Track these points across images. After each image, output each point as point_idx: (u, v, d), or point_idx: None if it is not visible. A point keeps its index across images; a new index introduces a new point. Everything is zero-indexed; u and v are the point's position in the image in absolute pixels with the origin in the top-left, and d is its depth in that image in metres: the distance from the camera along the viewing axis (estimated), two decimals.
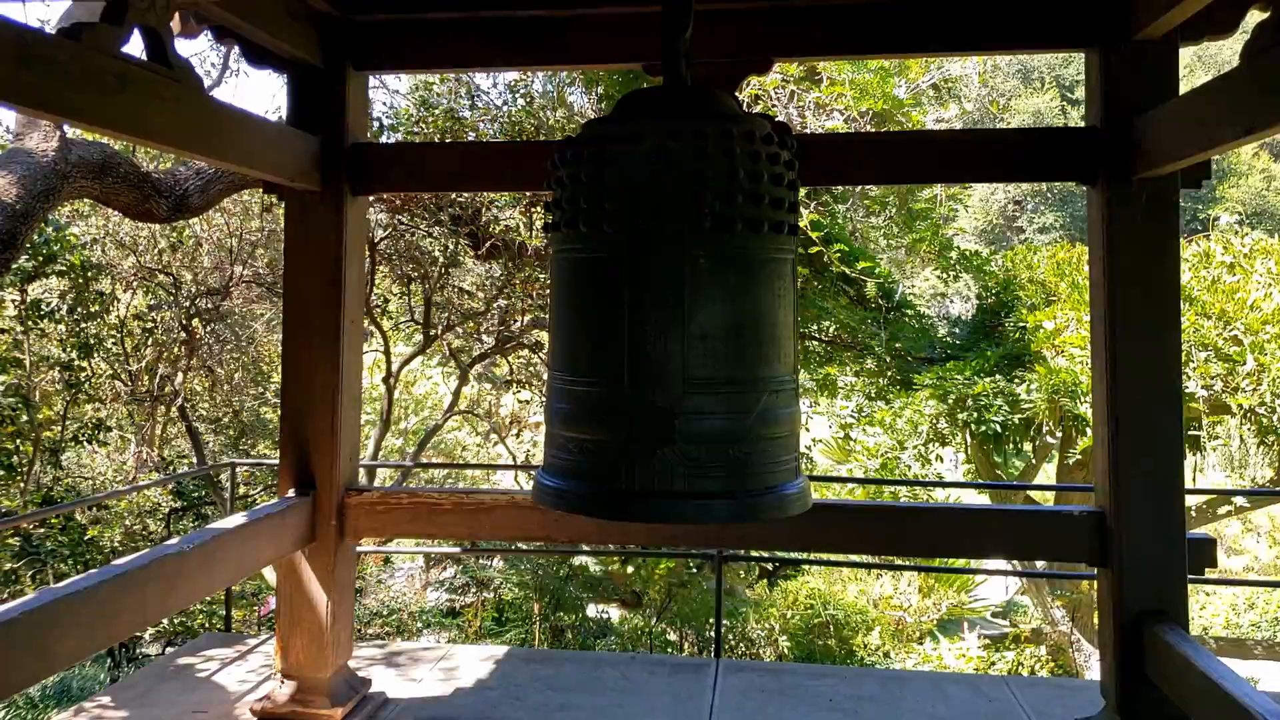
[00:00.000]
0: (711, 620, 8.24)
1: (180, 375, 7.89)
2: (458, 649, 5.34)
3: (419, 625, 7.70)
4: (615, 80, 7.69)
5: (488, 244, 7.37)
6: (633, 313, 2.53)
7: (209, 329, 8.15)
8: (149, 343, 8.18)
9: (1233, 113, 3.14)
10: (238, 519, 3.72)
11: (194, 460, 8.93)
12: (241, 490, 9.24)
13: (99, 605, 2.89)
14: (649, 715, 4.45)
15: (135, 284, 8.09)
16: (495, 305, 8.11)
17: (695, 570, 8.86)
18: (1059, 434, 8.08)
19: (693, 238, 2.47)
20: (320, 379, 4.13)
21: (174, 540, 3.43)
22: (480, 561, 8.67)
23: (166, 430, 10.18)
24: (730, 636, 8.19)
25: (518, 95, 7.77)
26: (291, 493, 4.15)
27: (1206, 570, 3.98)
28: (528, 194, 7.49)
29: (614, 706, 4.53)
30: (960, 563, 10.66)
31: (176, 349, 8.05)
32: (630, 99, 2.83)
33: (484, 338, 8.48)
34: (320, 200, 4.04)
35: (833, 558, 9.53)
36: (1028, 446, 8.74)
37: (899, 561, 8.05)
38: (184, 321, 7.64)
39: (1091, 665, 8.93)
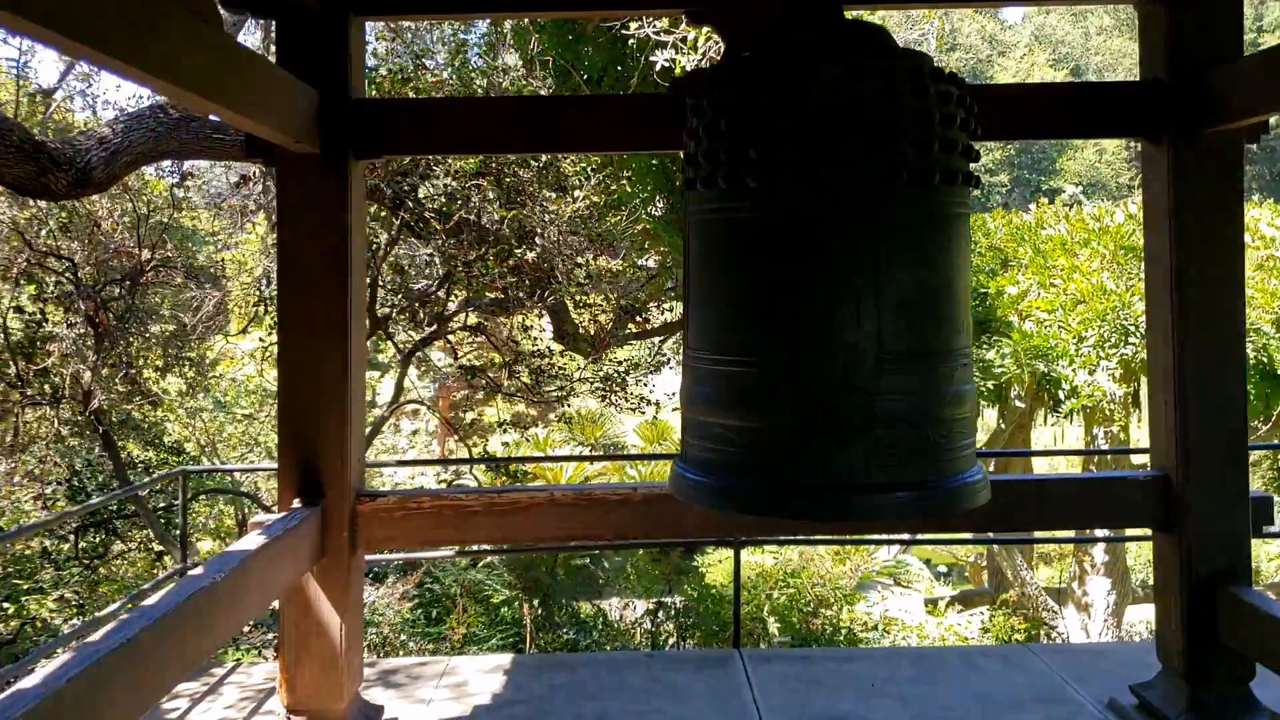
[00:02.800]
0: (708, 608, 8.01)
1: (89, 374, 7.01)
2: (458, 661, 4.88)
3: (402, 638, 7.12)
4: (560, 40, 7.24)
5: (454, 219, 6.81)
6: (815, 280, 2.20)
7: (116, 320, 7.25)
8: (37, 337, 7.22)
9: None
10: (256, 539, 3.19)
11: (109, 468, 8.01)
12: (167, 503, 8.37)
13: (143, 658, 2.37)
14: (696, 718, 4.15)
15: (17, 272, 7.12)
16: (444, 286, 7.54)
17: (659, 558, 8.64)
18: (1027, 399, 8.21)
19: (887, 191, 2.15)
20: (326, 371, 3.62)
21: (197, 570, 2.89)
22: (441, 566, 8.12)
23: (39, 430, 9.13)
24: (713, 624, 7.95)
25: (470, 55, 7.22)
26: (297, 503, 3.63)
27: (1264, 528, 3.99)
28: (478, 159, 7.00)
29: (654, 712, 4.20)
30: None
31: (81, 343, 7.12)
32: (775, 35, 2.48)
33: (423, 324, 7.90)
34: (320, 164, 3.51)
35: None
36: (993, 413, 8.87)
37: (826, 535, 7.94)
38: (91, 313, 6.77)
39: (1071, 628, 9.16)
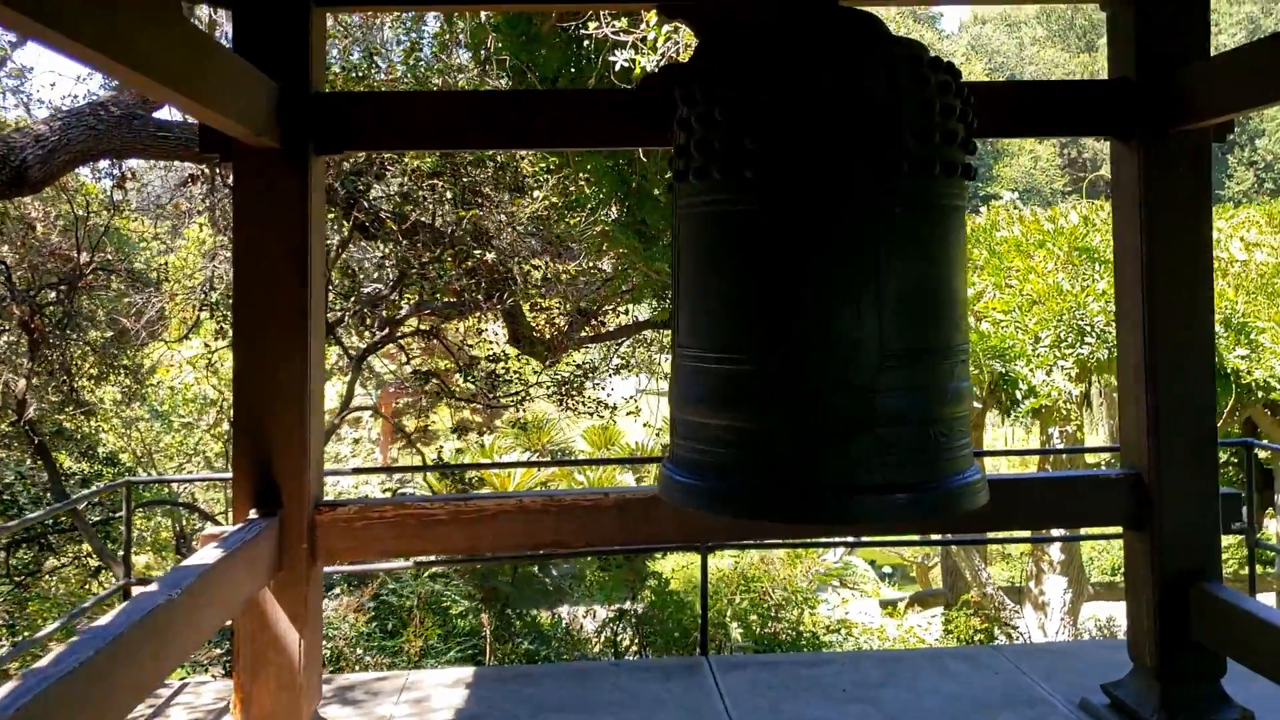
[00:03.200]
0: (670, 614, 7.89)
1: (23, 382, 6.67)
2: (418, 675, 4.72)
3: (358, 651, 6.90)
4: (514, 41, 7.10)
5: (410, 220, 6.63)
6: (815, 274, 2.13)
7: (52, 326, 6.92)
8: None
9: None
10: (213, 552, 3.02)
11: (42, 480, 7.65)
12: (104, 516, 8.01)
13: (98, 682, 2.20)
14: None
15: None
16: (397, 289, 7.35)
17: (606, 566, 8.52)
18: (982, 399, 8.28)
19: (887, 184, 2.09)
20: (284, 374, 3.46)
21: (152, 587, 2.72)
22: (397, 576, 7.90)
23: None
24: (675, 630, 7.83)
25: (423, 54, 7.05)
26: (253, 513, 3.46)
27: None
28: (435, 159, 6.83)
29: None
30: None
31: (14, 351, 6.78)
32: (764, 22, 2.41)
33: (373, 329, 7.70)
34: (280, 160, 3.36)
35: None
36: None
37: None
38: (25, 318, 6.44)
39: (1029, 627, 9.24)
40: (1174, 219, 3.63)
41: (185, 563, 2.97)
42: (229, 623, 3.56)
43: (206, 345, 9.09)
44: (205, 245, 9.35)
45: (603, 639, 8.00)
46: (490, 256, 6.99)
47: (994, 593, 9.72)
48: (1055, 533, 7.45)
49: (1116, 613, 11.30)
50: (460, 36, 7.48)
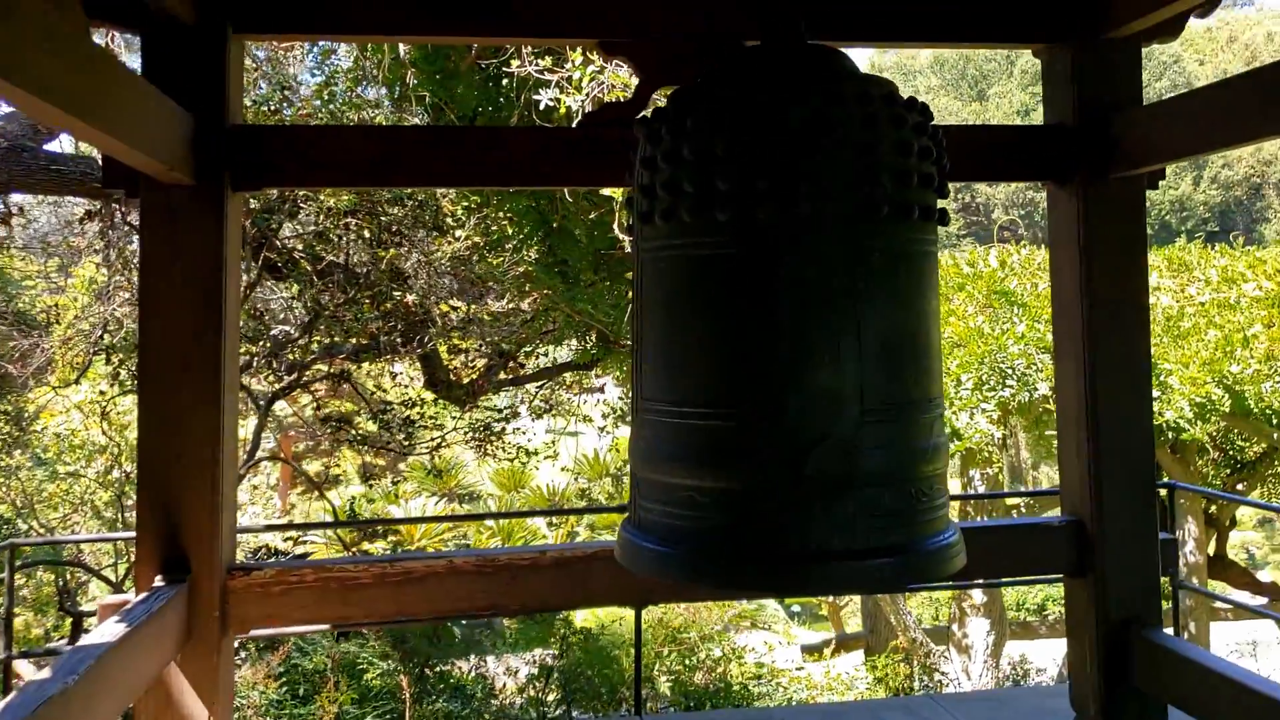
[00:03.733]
0: (597, 670, 7.60)
1: None
2: None
3: None
4: (430, 77, 6.92)
5: (325, 261, 6.34)
6: (792, 322, 2.00)
7: None
8: None
9: (1233, 117, 3.16)
10: (114, 629, 2.72)
11: None
12: None
13: None
14: None
15: None
16: (308, 332, 7.01)
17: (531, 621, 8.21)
18: None
19: (866, 227, 1.99)
20: (195, 428, 3.17)
21: (44, 673, 2.41)
22: (309, 638, 7.44)
23: None
24: (601, 686, 7.54)
25: (337, 88, 6.80)
26: (159, 580, 3.15)
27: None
28: (352, 197, 6.56)
29: None
30: None
31: None
32: (736, 59, 2.29)
33: (279, 372, 7.33)
34: (194, 196, 3.11)
35: None
36: None
37: None
38: None
39: (952, 670, 9.25)
40: (1112, 263, 3.65)
41: (84, 641, 2.66)
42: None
43: (102, 394, 8.54)
44: (96, 285, 8.83)
45: (526, 696, 7.70)
46: (411, 298, 6.74)
47: (920, 637, 9.74)
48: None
49: (1029, 651, 11.51)
50: (375, 73, 7.27)
